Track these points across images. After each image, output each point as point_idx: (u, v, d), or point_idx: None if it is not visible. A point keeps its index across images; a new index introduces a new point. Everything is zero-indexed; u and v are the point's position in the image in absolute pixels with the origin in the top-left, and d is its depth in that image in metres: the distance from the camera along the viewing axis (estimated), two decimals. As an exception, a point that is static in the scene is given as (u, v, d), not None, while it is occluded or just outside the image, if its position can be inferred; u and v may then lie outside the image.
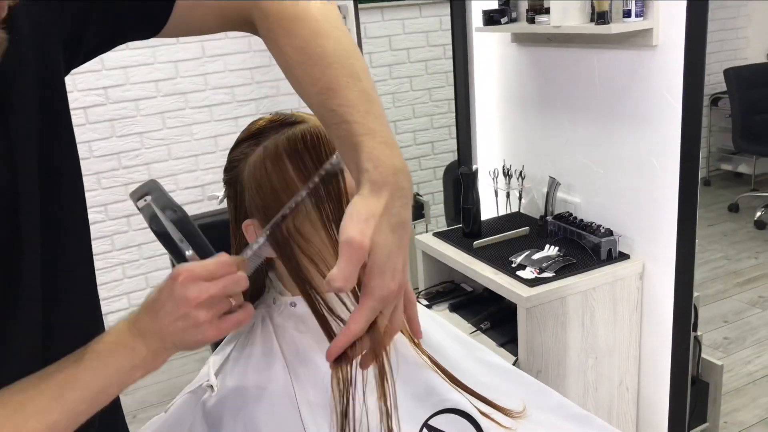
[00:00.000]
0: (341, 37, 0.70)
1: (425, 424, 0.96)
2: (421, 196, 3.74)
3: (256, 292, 1.00)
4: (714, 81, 4.95)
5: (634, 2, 1.66)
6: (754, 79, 4.58)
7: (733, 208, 4.72)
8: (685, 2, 1.60)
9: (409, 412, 0.95)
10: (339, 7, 3.23)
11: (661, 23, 1.70)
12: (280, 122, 0.93)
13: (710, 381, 2.27)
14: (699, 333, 2.21)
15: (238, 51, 3.36)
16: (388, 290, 0.61)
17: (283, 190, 0.87)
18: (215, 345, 1.07)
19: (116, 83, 3.21)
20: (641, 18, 1.71)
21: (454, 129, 2.70)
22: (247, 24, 0.77)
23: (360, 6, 3.31)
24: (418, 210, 3.44)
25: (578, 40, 1.94)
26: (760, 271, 3.86)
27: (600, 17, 1.71)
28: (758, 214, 4.41)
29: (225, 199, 0.99)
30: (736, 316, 3.40)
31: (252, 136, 0.93)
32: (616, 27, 1.70)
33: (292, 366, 0.91)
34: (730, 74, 4.55)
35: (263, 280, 1.00)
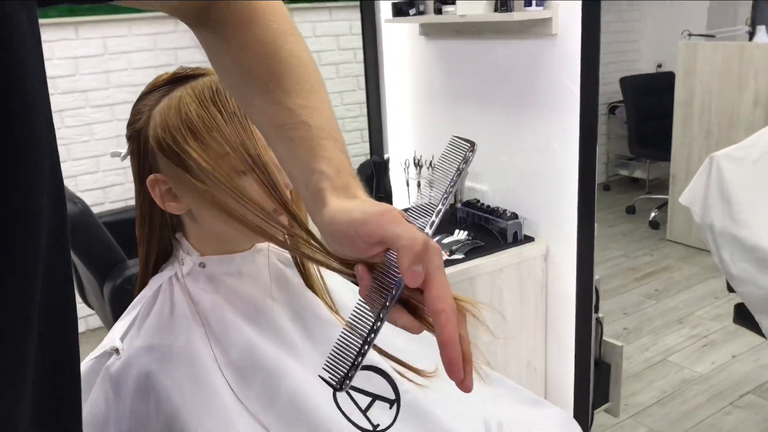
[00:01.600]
0: (300, 41, 0.67)
1: (339, 383, 0.95)
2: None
3: (162, 253, 0.97)
4: (611, 90, 5.23)
5: (534, -9, 1.74)
6: (647, 87, 4.87)
7: (630, 210, 4.98)
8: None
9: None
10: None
11: (560, 12, 1.79)
12: (185, 75, 0.91)
13: (612, 362, 2.37)
14: (600, 315, 2.31)
15: (142, 49, 3.27)
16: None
17: (192, 136, 0.85)
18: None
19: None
20: (541, 8, 1.79)
21: (366, 132, 2.72)
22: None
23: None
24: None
25: (483, 32, 2.01)
26: (654, 266, 4.10)
27: (503, 5, 1.77)
28: (652, 215, 4.68)
29: (128, 156, 0.96)
30: (634, 308, 3.58)
31: (156, 89, 0.91)
32: (518, 15, 1.77)
33: (208, 326, 0.89)
34: (625, 83, 4.82)
35: (169, 239, 0.96)
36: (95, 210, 3.19)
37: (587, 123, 1.74)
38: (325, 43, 3.91)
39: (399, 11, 2.11)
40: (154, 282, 0.94)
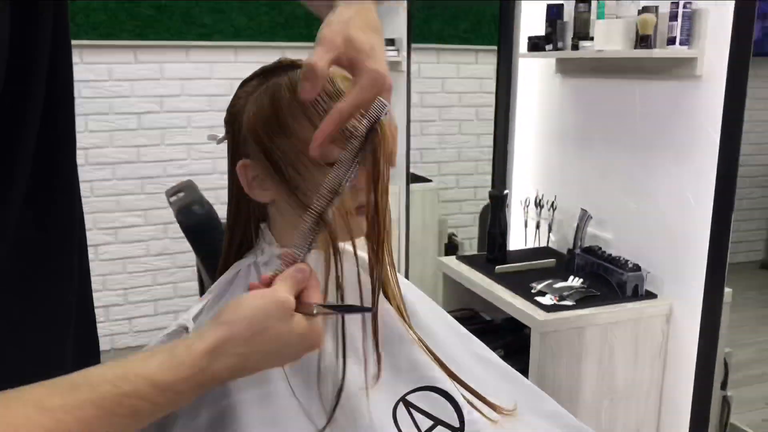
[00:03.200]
0: None
1: (402, 399, 0.90)
2: (456, 237, 3.70)
3: (247, 242, 0.98)
4: (781, 157, 4.81)
5: (679, 28, 1.63)
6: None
7: (789, 293, 4.50)
8: (729, 33, 1.55)
9: (388, 383, 0.90)
10: (394, 40, 3.30)
11: (707, 53, 1.66)
12: (286, 64, 0.92)
13: (740, 450, 2.12)
14: (729, 394, 2.07)
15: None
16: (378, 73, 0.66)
17: (279, 126, 0.85)
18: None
19: (172, 93, 3.32)
20: (686, 46, 1.67)
21: (490, 167, 2.67)
22: None
23: (415, 45, 3.36)
24: (453, 251, 3.39)
25: (622, 70, 1.91)
26: (810, 357, 3.65)
27: (643, 41, 1.68)
28: (814, 300, 4.19)
29: (225, 140, 0.98)
30: (780, 399, 3.19)
31: (257, 76, 0.93)
32: (659, 52, 1.67)
33: None
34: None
35: (254, 229, 0.97)
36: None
37: (726, 175, 1.59)
38: (468, 85, 3.92)
39: (535, 46, 2.06)
40: (234, 268, 0.95)
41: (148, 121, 3.30)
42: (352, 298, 0.84)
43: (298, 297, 0.66)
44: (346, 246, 0.94)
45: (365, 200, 0.85)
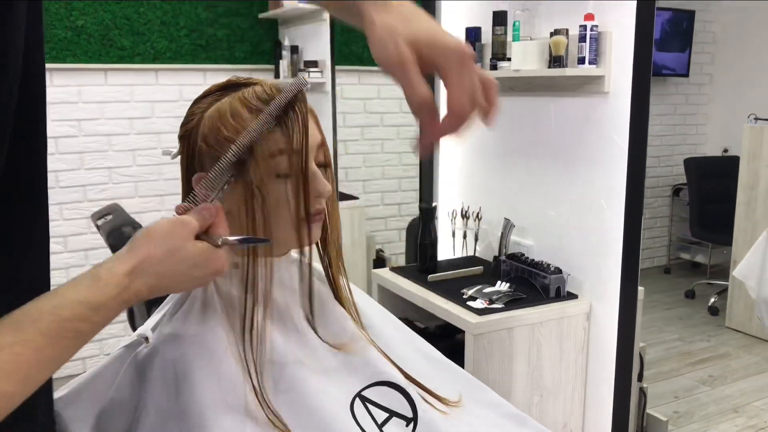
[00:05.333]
0: None
1: (358, 394, 0.96)
2: (383, 252, 3.78)
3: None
4: (676, 172, 5.18)
5: (587, 49, 1.78)
6: (711, 170, 4.80)
7: (690, 295, 4.84)
8: (632, 50, 1.72)
9: (344, 380, 0.95)
10: (317, 62, 3.37)
11: (613, 71, 1.82)
12: (237, 83, 0.97)
13: (656, 437, 2.28)
14: (645, 385, 2.23)
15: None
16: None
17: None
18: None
19: (91, 116, 3.26)
20: (594, 65, 1.82)
21: (417, 182, 2.78)
22: None
23: (338, 67, 3.45)
24: (381, 266, 3.47)
25: (537, 88, 2.06)
26: (711, 353, 3.95)
27: (556, 61, 1.82)
28: (712, 300, 4.53)
29: (179, 155, 1.02)
30: (687, 392, 3.43)
31: (210, 94, 0.97)
32: (570, 71, 1.81)
33: (232, 321, 0.91)
34: (690, 164, 4.77)
35: None
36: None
37: (634, 181, 1.74)
38: (388, 106, 4.04)
39: (456, 66, 2.18)
40: (191, 278, 0.98)
41: (66, 145, 3.23)
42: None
43: (207, 231, 0.75)
44: (292, 254, 0.99)
45: (321, 207, 0.92)
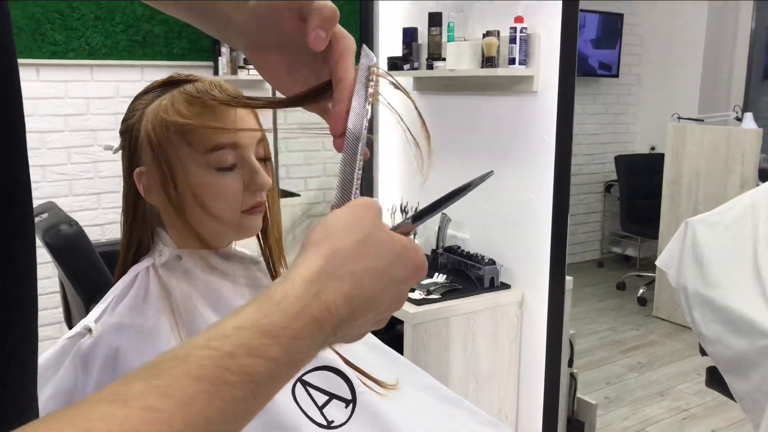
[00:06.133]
0: None
1: (299, 379, 1.00)
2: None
3: (143, 246, 1.03)
4: (607, 169, 5.39)
5: (517, 50, 1.86)
6: (639, 167, 5.03)
7: (621, 287, 5.05)
8: (558, 51, 1.81)
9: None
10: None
11: (541, 71, 1.91)
12: (178, 80, 1.00)
13: (586, 421, 2.39)
14: (575, 370, 2.34)
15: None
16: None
17: (177, 134, 0.92)
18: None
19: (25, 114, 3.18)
20: (524, 66, 1.91)
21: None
22: None
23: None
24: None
25: (471, 87, 2.13)
26: (640, 341, 4.14)
27: (488, 62, 1.90)
28: (641, 291, 4.74)
29: (120, 150, 1.04)
30: (617, 378, 3.59)
31: (151, 90, 0.99)
32: (501, 71, 1.90)
33: (177, 313, 0.94)
34: (620, 161, 4.97)
35: (149, 233, 1.03)
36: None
37: (561, 177, 1.84)
38: (329, 103, 4.07)
39: (394, 65, 2.25)
40: (133, 270, 1.00)
41: None
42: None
43: None
44: (234, 246, 1.03)
45: (262, 199, 0.96)
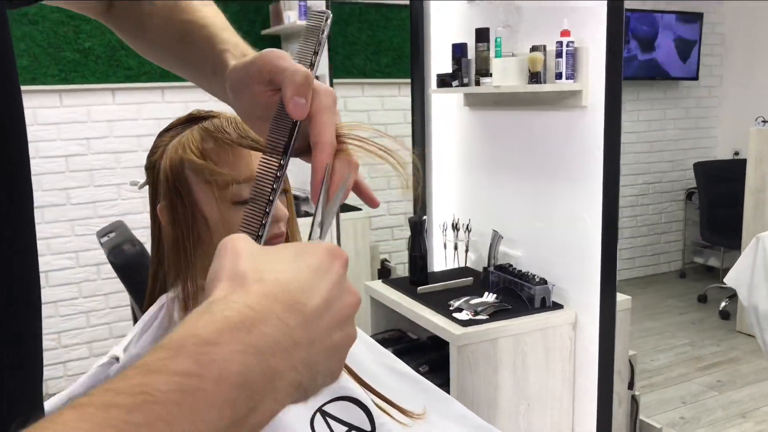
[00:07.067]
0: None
1: (319, 409, 1.00)
2: (389, 262, 3.82)
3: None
4: (688, 176, 5.17)
5: (564, 64, 1.81)
6: (720, 174, 4.79)
7: (702, 299, 4.81)
8: (604, 66, 1.74)
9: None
10: (318, 77, 3.43)
11: (590, 86, 1.85)
12: (199, 116, 1.03)
13: (650, 445, 2.29)
14: (636, 393, 2.24)
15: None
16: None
17: (193, 171, 0.95)
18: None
19: (100, 135, 3.36)
20: (572, 80, 1.86)
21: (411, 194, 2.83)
22: None
23: (338, 80, 3.51)
24: (387, 275, 3.52)
25: (520, 103, 2.09)
26: (721, 357, 3.93)
27: (534, 77, 1.86)
28: (723, 304, 4.50)
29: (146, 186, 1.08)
30: (694, 398, 3.42)
31: (173, 127, 1.03)
32: (548, 87, 1.85)
33: None
34: (698, 168, 4.75)
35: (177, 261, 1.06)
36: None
37: (609, 193, 1.77)
38: (393, 117, 4.08)
39: (443, 82, 2.23)
40: (160, 301, 1.03)
41: (76, 163, 3.32)
42: None
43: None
44: None
45: (280, 231, 0.97)
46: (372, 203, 0.63)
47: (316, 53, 0.58)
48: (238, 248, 0.42)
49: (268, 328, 0.36)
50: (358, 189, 0.62)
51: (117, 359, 0.97)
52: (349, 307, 0.41)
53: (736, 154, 5.23)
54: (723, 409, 3.26)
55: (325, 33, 0.59)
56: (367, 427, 1.03)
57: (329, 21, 0.59)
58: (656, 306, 4.69)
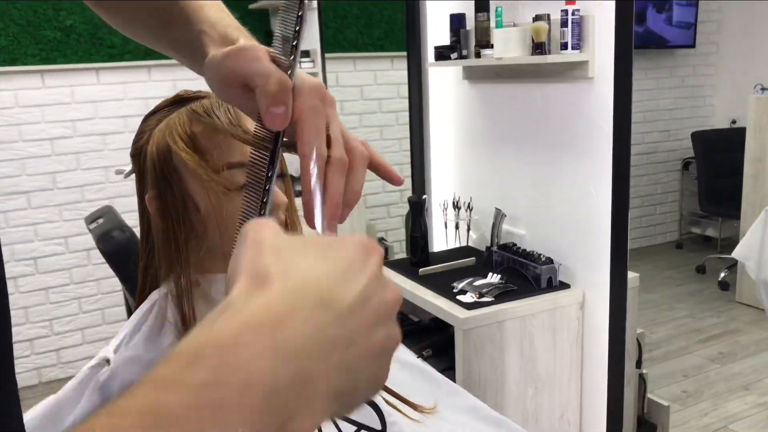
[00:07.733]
0: None
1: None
2: (386, 240, 3.76)
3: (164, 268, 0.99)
4: (685, 146, 5.10)
5: (570, 34, 1.73)
6: (718, 143, 4.73)
7: (701, 270, 4.79)
8: (613, 35, 1.66)
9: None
10: (309, 52, 3.33)
11: (597, 56, 1.77)
12: (186, 97, 0.95)
13: (658, 423, 2.25)
14: (644, 371, 2.20)
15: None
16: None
17: (186, 156, 0.88)
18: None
19: (85, 116, 3.25)
20: (577, 51, 1.77)
21: (409, 172, 2.75)
22: None
23: (330, 55, 3.41)
24: (383, 254, 3.46)
25: (522, 75, 2.01)
26: (721, 329, 3.90)
27: (538, 48, 1.77)
28: (722, 275, 4.47)
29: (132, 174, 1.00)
30: (696, 370, 3.39)
31: (159, 110, 0.95)
32: (552, 58, 1.77)
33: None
34: (696, 137, 4.69)
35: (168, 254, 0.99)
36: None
37: (620, 167, 1.70)
38: (387, 91, 3.99)
39: (441, 55, 2.14)
40: (151, 297, 0.97)
41: (62, 146, 3.22)
42: None
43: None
44: None
45: (279, 218, 0.90)
46: (395, 181, 0.59)
47: (294, 42, 0.52)
48: (260, 238, 0.37)
49: (296, 325, 0.31)
50: (377, 169, 0.58)
51: (108, 361, 0.91)
52: (389, 303, 0.36)
53: (734, 122, 5.17)
54: (725, 381, 3.23)
55: (303, 14, 0.53)
56: (377, 425, 0.97)
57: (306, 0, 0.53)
58: (654, 278, 4.66)
